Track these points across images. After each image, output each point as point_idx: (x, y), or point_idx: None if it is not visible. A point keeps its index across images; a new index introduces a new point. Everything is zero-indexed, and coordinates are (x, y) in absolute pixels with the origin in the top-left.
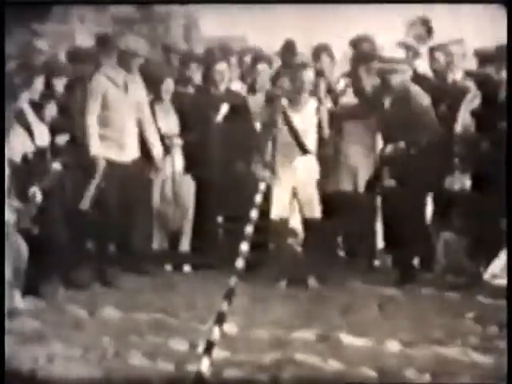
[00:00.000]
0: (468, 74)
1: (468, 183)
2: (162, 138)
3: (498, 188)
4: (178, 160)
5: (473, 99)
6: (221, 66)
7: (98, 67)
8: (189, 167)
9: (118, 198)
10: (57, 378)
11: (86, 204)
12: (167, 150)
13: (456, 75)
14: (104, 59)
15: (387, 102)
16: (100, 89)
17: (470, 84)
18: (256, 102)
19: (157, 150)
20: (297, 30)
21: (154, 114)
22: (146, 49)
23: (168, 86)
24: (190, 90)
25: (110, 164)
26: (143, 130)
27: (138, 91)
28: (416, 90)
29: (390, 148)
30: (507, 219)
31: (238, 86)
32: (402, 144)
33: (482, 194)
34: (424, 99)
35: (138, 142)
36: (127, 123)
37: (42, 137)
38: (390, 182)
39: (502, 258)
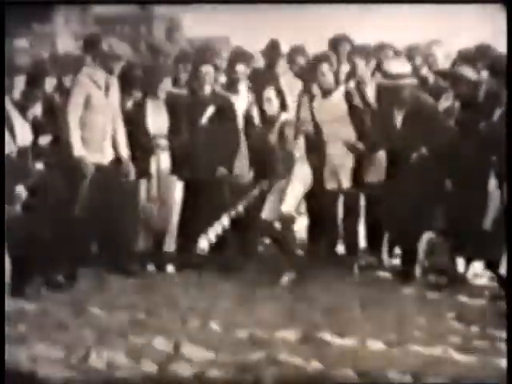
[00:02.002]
0: (439, 73)
1: (449, 184)
2: (150, 137)
3: (479, 188)
4: (164, 160)
5: (446, 99)
6: (206, 68)
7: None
8: (175, 168)
9: (101, 199)
10: (40, 378)
11: (77, 209)
12: (153, 149)
13: (436, 76)
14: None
15: (399, 119)
16: (83, 90)
17: (446, 84)
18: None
19: (124, 153)
20: (280, 30)
21: (144, 111)
22: (129, 52)
23: (166, 85)
24: (175, 90)
25: (95, 166)
26: (114, 131)
27: (116, 93)
28: (426, 97)
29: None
30: (507, 219)
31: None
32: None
33: (463, 194)
34: (434, 104)
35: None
36: (107, 125)
37: (24, 137)
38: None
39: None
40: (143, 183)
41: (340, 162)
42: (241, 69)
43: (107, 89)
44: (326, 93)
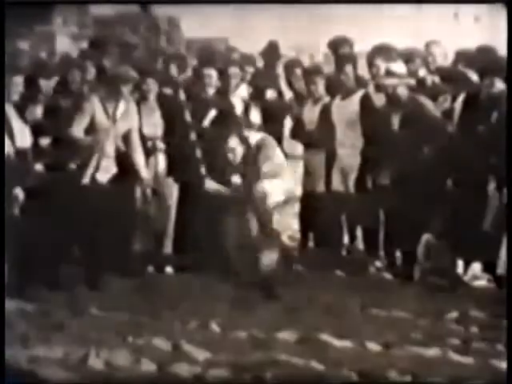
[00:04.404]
0: (441, 72)
1: (450, 183)
2: (145, 140)
3: (478, 190)
4: (161, 162)
5: (445, 100)
6: (209, 71)
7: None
8: (173, 170)
9: (98, 213)
10: (40, 379)
11: (86, 179)
12: (149, 152)
13: (435, 77)
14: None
15: (396, 121)
16: (90, 109)
17: (445, 85)
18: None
19: (142, 167)
20: (278, 31)
21: (139, 114)
22: (135, 74)
23: (150, 85)
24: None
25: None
26: (130, 149)
27: (129, 120)
28: (427, 102)
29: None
30: (507, 218)
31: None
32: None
33: (462, 194)
34: (434, 111)
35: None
36: (108, 148)
37: (24, 138)
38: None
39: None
40: (140, 186)
41: (349, 164)
42: (235, 71)
43: (114, 118)
44: (347, 94)
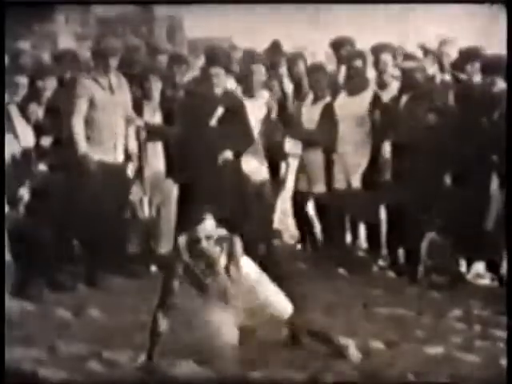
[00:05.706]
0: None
1: (448, 181)
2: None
3: (481, 188)
4: (160, 160)
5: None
6: (216, 70)
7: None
8: (174, 168)
9: (107, 199)
10: (41, 378)
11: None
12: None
13: (445, 76)
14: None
15: (404, 99)
16: (86, 91)
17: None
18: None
19: (132, 152)
20: (281, 31)
21: (141, 112)
22: (121, 45)
23: (155, 84)
24: (181, 92)
25: (102, 165)
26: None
27: (124, 92)
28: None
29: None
30: (506, 220)
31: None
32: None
33: (464, 193)
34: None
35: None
36: (117, 124)
37: (27, 138)
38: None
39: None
40: (139, 185)
41: (353, 161)
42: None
43: (111, 88)
44: (355, 91)
